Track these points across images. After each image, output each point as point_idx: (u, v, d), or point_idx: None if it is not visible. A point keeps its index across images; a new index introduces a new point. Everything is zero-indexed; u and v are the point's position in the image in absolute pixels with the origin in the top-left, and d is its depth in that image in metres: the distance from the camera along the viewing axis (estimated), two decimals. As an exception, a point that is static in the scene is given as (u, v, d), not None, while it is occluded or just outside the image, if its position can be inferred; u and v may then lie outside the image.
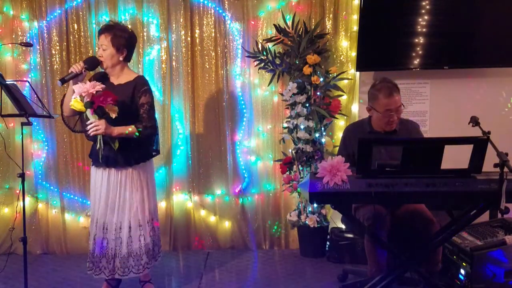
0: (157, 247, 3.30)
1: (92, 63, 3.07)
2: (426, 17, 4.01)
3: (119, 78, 3.16)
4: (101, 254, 3.12)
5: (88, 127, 2.92)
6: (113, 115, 2.90)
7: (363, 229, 3.03)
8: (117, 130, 2.98)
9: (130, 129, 3.01)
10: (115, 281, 3.28)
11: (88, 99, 2.86)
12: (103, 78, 3.15)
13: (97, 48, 3.23)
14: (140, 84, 3.12)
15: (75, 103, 2.89)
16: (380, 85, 3.10)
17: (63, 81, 2.99)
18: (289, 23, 4.15)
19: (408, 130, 3.22)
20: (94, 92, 2.86)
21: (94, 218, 3.19)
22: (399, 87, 3.11)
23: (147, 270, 3.21)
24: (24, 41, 4.07)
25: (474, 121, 2.81)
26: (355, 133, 3.19)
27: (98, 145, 2.96)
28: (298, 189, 4.07)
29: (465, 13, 4.03)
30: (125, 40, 3.11)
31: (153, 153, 3.30)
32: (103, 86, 2.93)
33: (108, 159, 3.08)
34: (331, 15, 4.23)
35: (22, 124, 3.16)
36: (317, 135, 4.13)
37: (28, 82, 3.86)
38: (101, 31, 3.10)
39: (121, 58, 3.10)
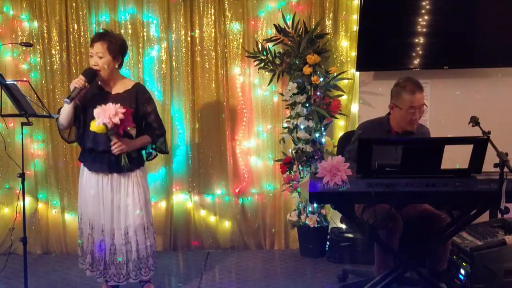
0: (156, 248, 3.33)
1: (90, 75, 3.01)
2: (426, 17, 4.01)
3: (115, 87, 3.12)
4: (110, 261, 3.12)
5: (113, 147, 2.94)
6: (133, 133, 3.01)
7: (362, 228, 3.03)
8: (139, 143, 3.10)
9: (147, 140, 3.14)
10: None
11: (112, 127, 2.85)
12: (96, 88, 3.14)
13: (89, 58, 3.12)
14: (142, 93, 3.13)
15: (96, 127, 2.85)
16: (404, 83, 3.10)
17: (71, 99, 2.96)
18: (289, 23, 4.14)
19: (423, 134, 3.23)
20: (118, 122, 2.83)
21: (87, 220, 3.16)
22: (423, 87, 3.11)
23: (152, 272, 3.23)
24: (24, 41, 4.06)
25: (474, 121, 2.81)
26: (372, 131, 3.18)
27: (122, 162, 3.00)
28: (298, 189, 4.07)
29: (465, 13, 4.03)
30: (120, 47, 3.09)
31: (155, 154, 3.36)
32: (123, 110, 2.86)
33: (111, 164, 3.07)
34: (331, 15, 4.23)
35: (22, 124, 3.16)
36: (317, 135, 4.13)
37: (28, 82, 3.86)
38: (96, 39, 3.04)
39: (116, 66, 3.08)
